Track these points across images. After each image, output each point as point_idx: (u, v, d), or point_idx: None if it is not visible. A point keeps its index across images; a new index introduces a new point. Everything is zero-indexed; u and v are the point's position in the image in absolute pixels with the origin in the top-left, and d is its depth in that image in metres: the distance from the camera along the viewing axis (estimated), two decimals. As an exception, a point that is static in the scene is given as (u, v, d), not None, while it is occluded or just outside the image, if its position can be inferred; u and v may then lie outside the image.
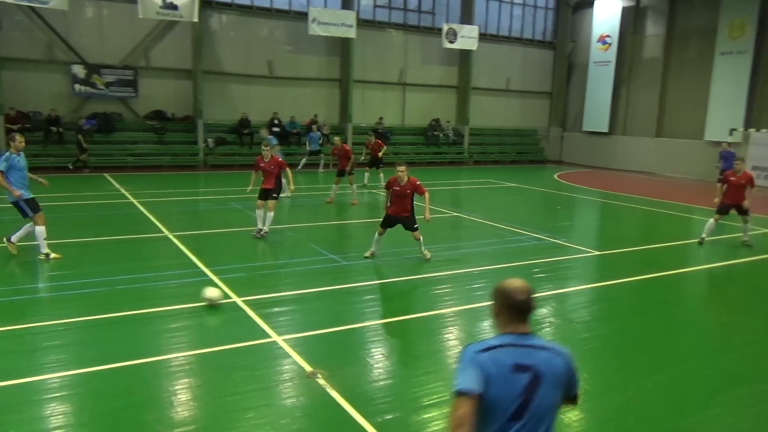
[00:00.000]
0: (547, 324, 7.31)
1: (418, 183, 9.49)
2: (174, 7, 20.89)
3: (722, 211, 11.60)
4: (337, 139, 17.14)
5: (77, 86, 21.61)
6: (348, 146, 17.10)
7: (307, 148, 23.83)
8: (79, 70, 21.54)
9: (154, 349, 6.04)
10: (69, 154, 20.53)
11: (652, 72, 27.87)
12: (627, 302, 8.41)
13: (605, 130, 29.74)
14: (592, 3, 30.11)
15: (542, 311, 7.76)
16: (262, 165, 11.17)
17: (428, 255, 9.78)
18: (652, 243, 12.33)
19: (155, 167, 21.89)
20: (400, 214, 9.61)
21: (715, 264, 10.66)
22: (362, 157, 18.97)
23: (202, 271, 8.72)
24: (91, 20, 21.85)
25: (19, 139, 9.11)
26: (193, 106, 23.47)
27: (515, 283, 2.65)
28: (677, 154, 26.73)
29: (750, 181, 11.53)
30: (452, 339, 6.69)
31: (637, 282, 9.25)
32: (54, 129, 20.68)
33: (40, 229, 9.14)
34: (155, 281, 8.29)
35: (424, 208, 9.54)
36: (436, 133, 28.52)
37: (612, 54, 29.14)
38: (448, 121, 29.28)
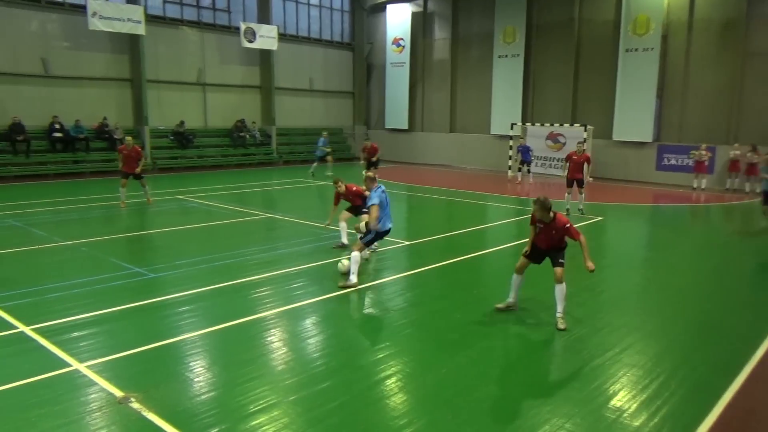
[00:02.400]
0: (367, 314, 7.59)
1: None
2: None
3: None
4: (129, 139, 16.00)
5: None
6: (139, 147, 16.24)
7: (317, 153, 24.17)
8: None
9: None
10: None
11: (442, 73, 30.33)
12: (436, 286, 9.07)
13: (405, 127, 31.69)
14: (385, 7, 31.83)
15: (361, 303, 8.05)
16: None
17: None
18: (454, 230, 13.43)
19: None
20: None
21: (508, 245, 11.94)
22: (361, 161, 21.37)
23: (-24, 302, 7.52)
24: None
25: None
26: (-53, 110, 20.08)
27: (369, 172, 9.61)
28: (469, 148, 29.46)
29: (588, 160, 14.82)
30: (275, 341, 6.62)
31: (443, 267, 10.01)
32: None
33: None
34: None
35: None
36: (242, 134, 27.93)
37: (406, 56, 31.13)
38: (254, 122, 28.83)
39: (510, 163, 25.82)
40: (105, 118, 23.62)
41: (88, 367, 5.67)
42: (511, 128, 26.06)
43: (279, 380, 5.59)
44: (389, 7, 31.63)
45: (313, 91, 31.77)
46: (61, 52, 22.68)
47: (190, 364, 5.95)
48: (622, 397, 5.32)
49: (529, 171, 23.31)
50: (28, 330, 6.58)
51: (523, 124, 26.40)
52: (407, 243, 11.62)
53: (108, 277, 8.89)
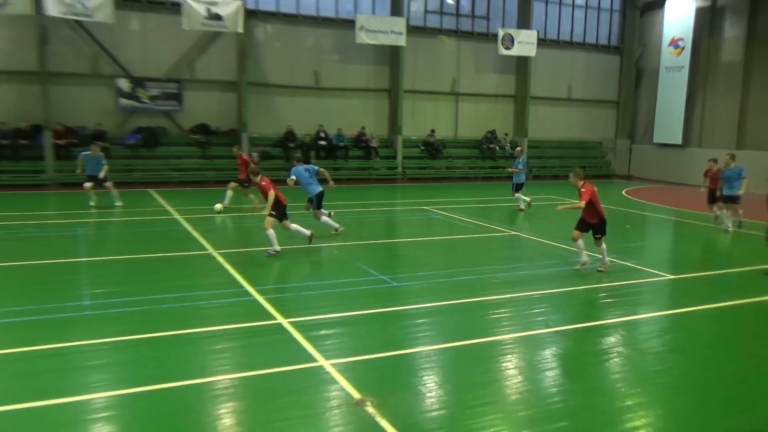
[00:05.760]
0: (616, 354, 7.15)
1: None
2: (219, 17, 21.66)
3: None
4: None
5: (122, 100, 22.63)
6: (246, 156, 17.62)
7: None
8: (124, 84, 22.57)
9: (198, 371, 6.22)
10: (114, 169, 21.41)
11: (731, 77, 27.03)
12: (705, 332, 8.14)
13: (679, 141, 28.95)
14: (663, 4, 29.56)
15: (610, 340, 7.60)
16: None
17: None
18: (734, 267, 11.90)
19: (200, 182, 22.58)
20: None
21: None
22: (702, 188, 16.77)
23: (247, 291, 8.93)
24: (136, 33, 22.87)
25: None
26: (238, 119, 24.18)
27: None
28: (762, 168, 25.69)
29: None
30: (510, 368, 6.61)
31: (717, 310, 8.93)
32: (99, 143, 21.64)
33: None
34: (199, 300, 8.54)
35: None
36: (491, 145, 28.40)
37: (685, 59, 28.46)
38: (506, 134, 29.07)
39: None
40: (363, 128, 26.09)
41: (332, 365, 6.33)
42: (824, 145, 22.10)
43: (512, 410, 5.57)
44: (668, 3, 29.27)
45: (571, 100, 30.91)
46: (330, 65, 25.75)
47: (424, 377, 6.26)
48: None
49: None
50: (285, 322, 7.60)
51: (842, 140, 22.18)
52: (670, 277, 10.62)
53: (355, 281, 9.82)
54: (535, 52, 27.75)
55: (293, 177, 13.33)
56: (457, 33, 27.98)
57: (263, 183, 11.56)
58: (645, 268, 11.13)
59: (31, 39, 20.67)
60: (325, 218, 13.42)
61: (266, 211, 11.38)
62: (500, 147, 28.63)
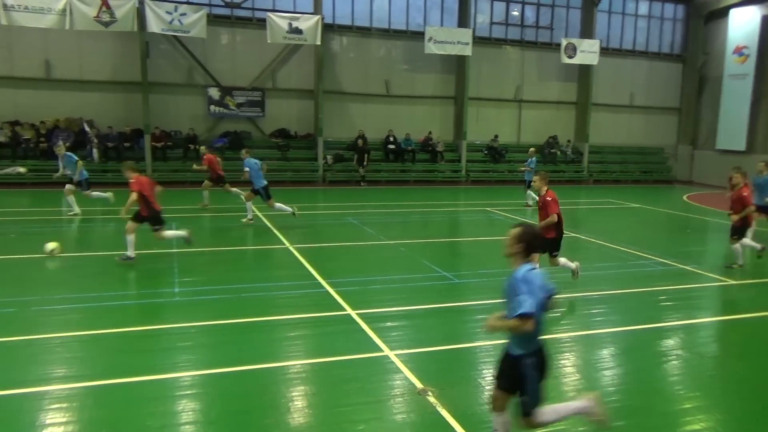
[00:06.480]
0: (674, 357, 6.78)
1: None
2: (299, 31, 22.06)
3: None
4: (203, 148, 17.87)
5: (212, 107, 23.40)
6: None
7: None
8: (214, 93, 23.34)
9: (274, 356, 6.33)
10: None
11: (799, 84, 25.24)
12: (764, 338, 7.60)
13: (742, 148, 27.28)
14: (727, 12, 27.90)
15: (669, 343, 7.22)
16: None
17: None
18: (799, 273, 11.07)
19: (278, 182, 23.06)
20: None
21: None
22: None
23: (319, 283, 9.03)
24: (226, 46, 23.61)
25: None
26: (314, 124, 24.54)
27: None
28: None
29: None
30: (568, 365, 6.38)
31: (781, 316, 8.33)
32: (192, 146, 22.47)
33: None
34: (276, 291, 8.70)
35: None
36: (553, 150, 27.66)
37: (750, 66, 26.77)
38: (569, 141, 28.24)
39: None
40: (430, 133, 25.95)
41: (396, 355, 6.30)
42: None
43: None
44: (733, 11, 27.60)
45: (633, 107, 29.68)
46: (400, 74, 25.75)
47: (483, 371, 6.13)
48: None
49: None
50: (353, 313, 7.62)
51: None
52: (731, 282, 10.00)
53: (419, 277, 9.75)
54: (597, 60, 26.79)
55: (247, 169, 13.63)
56: (521, 43, 27.38)
57: (132, 181, 10.00)
58: (705, 272, 10.54)
59: (135, 53, 21.64)
60: (278, 205, 13.75)
61: (124, 213, 10.04)
62: (561, 152, 27.85)
